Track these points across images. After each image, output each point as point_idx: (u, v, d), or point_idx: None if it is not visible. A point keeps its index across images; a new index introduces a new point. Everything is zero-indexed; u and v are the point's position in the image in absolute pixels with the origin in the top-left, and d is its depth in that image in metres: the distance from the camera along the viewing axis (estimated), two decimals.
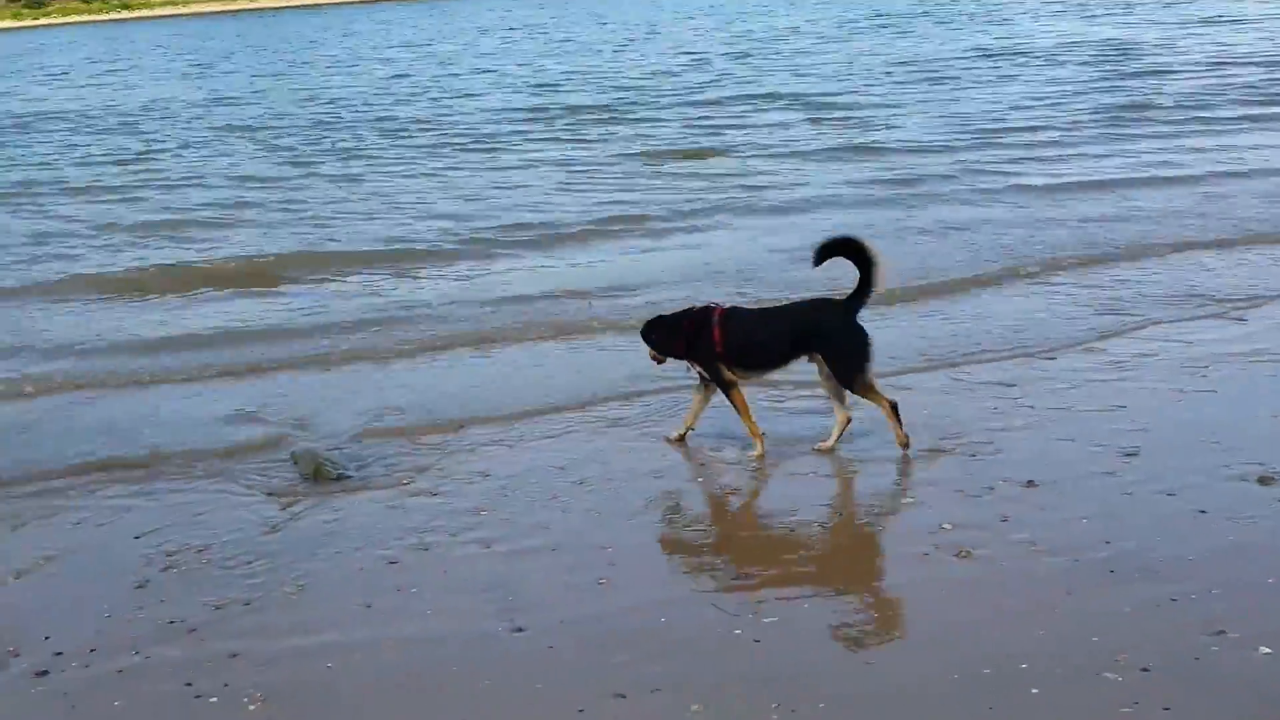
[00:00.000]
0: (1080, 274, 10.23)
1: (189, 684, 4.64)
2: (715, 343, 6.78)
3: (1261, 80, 21.77)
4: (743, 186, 15.18)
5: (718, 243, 12.32)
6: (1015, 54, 28.99)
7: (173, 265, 12.06)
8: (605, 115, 23.03)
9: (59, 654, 4.89)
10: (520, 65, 37.55)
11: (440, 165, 18.29)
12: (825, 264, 6.62)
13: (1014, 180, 14.48)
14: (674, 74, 30.76)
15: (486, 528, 5.95)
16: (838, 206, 13.61)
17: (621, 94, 26.59)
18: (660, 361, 7.12)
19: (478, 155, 19.09)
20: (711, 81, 28.19)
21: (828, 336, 6.62)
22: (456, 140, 20.87)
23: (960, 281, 10.16)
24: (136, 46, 68.54)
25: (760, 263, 10.96)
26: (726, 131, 20.11)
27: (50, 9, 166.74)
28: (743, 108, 23.05)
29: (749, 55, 34.71)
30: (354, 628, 5.05)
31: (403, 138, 21.74)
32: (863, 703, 4.31)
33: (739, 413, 6.86)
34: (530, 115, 23.76)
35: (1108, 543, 5.39)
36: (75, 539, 6.05)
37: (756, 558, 5.60)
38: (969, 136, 17.91)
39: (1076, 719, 4.14)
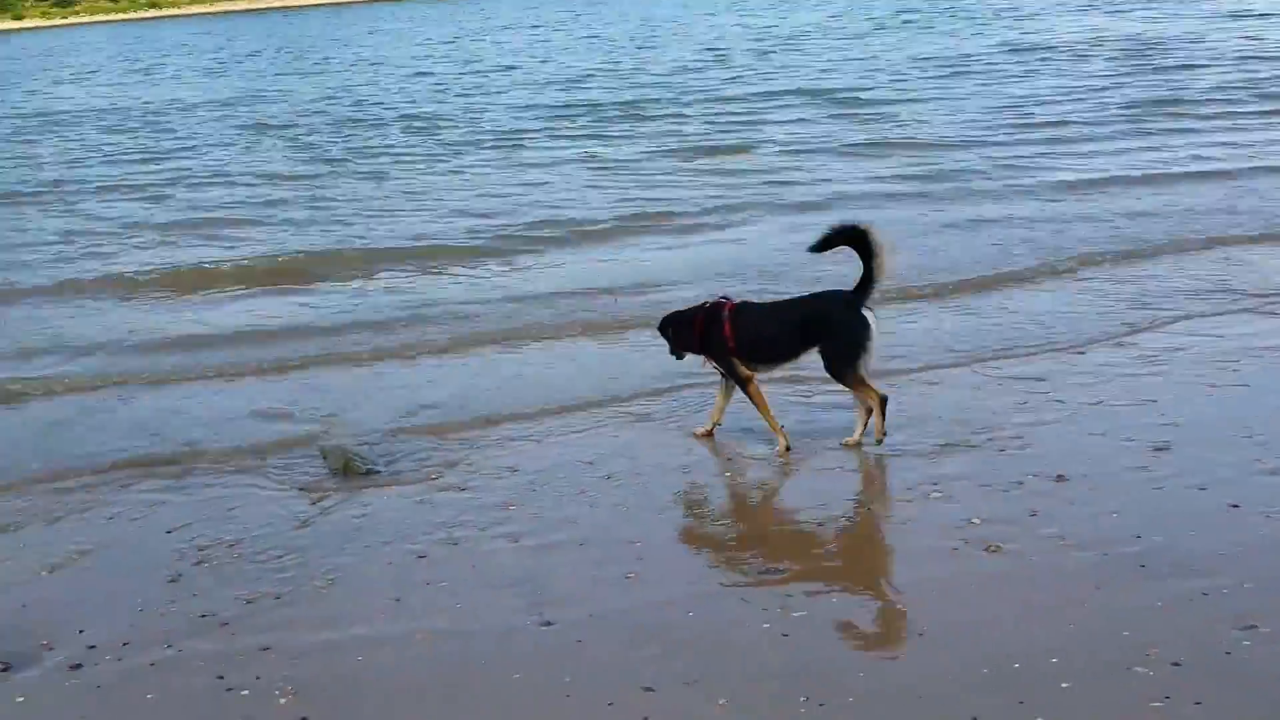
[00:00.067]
0: (1110, 269, 10.17)
1: (220, 677, 4.68)
2: (727, 338, 6.79)
3: None
4: (769, 183, 15.14)
5: (745, 239, 12.30)
6: (1042, 49, 28.80)
7: (202, 264, 12.12)
8: (630, 112, 23.01)
9: (92, 647, 4.94)
10: (544, 62, 37.60)
11: (465, 162, 18.33)
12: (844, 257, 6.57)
13: (1043, 176, 14.39)
14: (698, 70, 30.71)
15: (515, 522, 5.97)
16: (864, 202, 13.54)
17: (646, 90, 26.56)
18: (679, 357, 7.13)
19: (503, 152, 19.12)
20: (736, 78, 28.12)
21: (827, 328, 6.60)
22: (481, 137, 20.90)
23: (990, 277, 10.11)
24: (163, 45, 69.01)
25: (787, 259, 10.92)
26: (751, 128, 20.05)
27: (78, 7, 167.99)
28: (767, 104, 22.97)
29: (772, 52, 34.60)
30: (384, 622, 5.08)
31: (428, 135, 21.79)
32: (892, 697, 4.31)
33: (757, 408, 6.87)
34: (555, 112, 23.77)
35: (1138, 537, 5.36)
36: (108, 534, 6.11)
37: (784, 552, 5.59)
38: (996, 131, 17.81)
39: (1107, 713, 4.13)
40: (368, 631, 5.00)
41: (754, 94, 24.60)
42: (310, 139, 22.36)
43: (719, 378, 7.03)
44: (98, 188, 17.96)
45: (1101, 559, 5.19)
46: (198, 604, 5.28)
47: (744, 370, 6.85)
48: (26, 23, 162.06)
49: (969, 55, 28.51)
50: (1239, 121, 17.35)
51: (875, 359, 6.64)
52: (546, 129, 21.52)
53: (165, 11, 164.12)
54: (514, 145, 19.81)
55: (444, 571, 5.50)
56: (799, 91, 24.31)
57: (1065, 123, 18.17)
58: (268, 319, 10.11)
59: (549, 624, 4.97)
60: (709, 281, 10.12)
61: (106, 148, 23.21)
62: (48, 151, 23.22)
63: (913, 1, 49.13)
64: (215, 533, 6.01)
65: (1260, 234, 11.04)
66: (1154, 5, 37.28)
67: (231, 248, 13.05)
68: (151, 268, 12.07)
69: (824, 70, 28.13)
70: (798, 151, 17.47)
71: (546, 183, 16.09)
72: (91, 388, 8.48)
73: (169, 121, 27.47)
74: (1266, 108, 18.29)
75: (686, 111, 22.65)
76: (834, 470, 6.49)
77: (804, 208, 13.58)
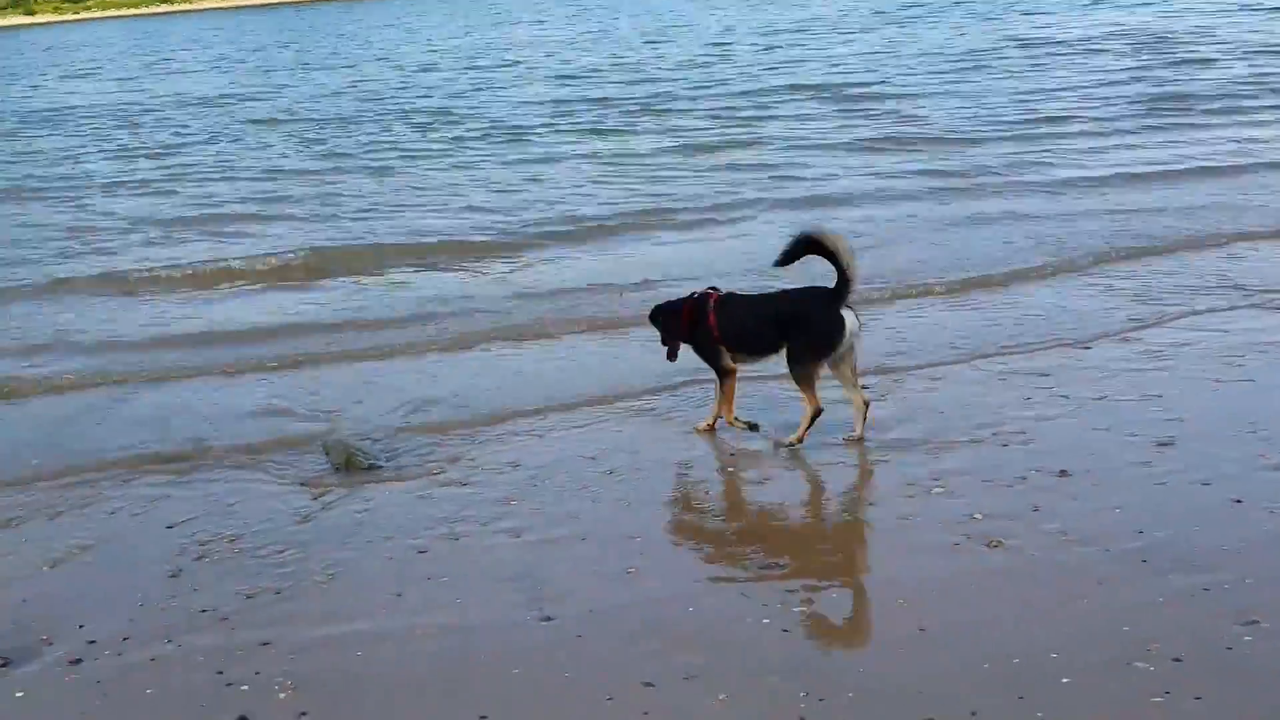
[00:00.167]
0: (1117, 265, 10.13)
1: (220, 672, 4.68)
2: (712, 328, 6.80)
3: None
4: (775, 178, 15.12)
5: (751, 234, 12.27)
6: (1050, 42, 28.71)
7: (207, 260, 12.12)
8: (636, 107, 22.99)
9: (92, 642, 4.94)
10: (549, 56, 37.56)
11: (471, 158, 18.33)
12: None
13: (1050, 171, 14.35)
14: (705, 65, 30.67)
15: (516, 517, 5.96)
16: (873, 199, 13.52)
17: (652, 85, 26.54)
18: (673, 352, 7.11)
19: (508, 147, 19.11)
20: (742, 72, 28.08)
21: (799, 324, 6.57)
22: (487, 132, 20.90)
23: (997, 273, 10.07)
24: (175, 40, 69.13)
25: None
26: (758, 123, 20.01)
27: (90, 3, 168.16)
28: (774, 99, 22.94)
29: (778, 46, 34.54)
30: (384, 617, 5.07)
31: (434, 130, 21.80)
32: (892, 693, 4.29)
33: (723, 398, 6.90)
34: (560, 108, 23.75)
35: (1140, 532, 5.34)
36: (109, 529, 6.11)
37: (785, 547, 5.58)
38: (1004, 127, 17.75)
39: (1107, 709, 4.11)
40: (368, 626, 4.99)
41: (760, 89, 24.55)
42: (317, 134, 22.38)
43: (724, 375, 7.01)
44: (104, 183, 17.99)
45: (1103, 554, 5.17)
46: (198, 599, 5.28)
47: (727, 362, 6.87)
48: (39, 18, 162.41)
49: (976, 50, 28.43)
50: (1248, 117, 17.27)
51: (860, 355, 6.66)
52: (552, 124, 21.51)
53: (177, 6, 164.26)
54: (520, 140, 19.81)
55: (445, 566, 5.49)
56: (805, 86, 24.26)
57: (1073, 117, 18.12)
58: (271, 315, 10.12)
59: (549, 619, 4.96)
60: (715, 278, 10.09)
61: (114, 143, 23.25)
62: (55, 146, 23.26)
63: None
64: (216, 528, 6.00)
65: (1269, 230, 10.99)
66: None
67: (237, 244, 13.07)
68: (157, 264, 12.08)
69: (832, 65, 28.06)
70: (804, 147, 17.43)
71: (552, 178, 16.09)
72: (94, 384, 8.48)
73: (177, 116, 27.52)
74: (1276, 103, 18.20)
75: (692, 106, 22.64)
76: (835, 465, 6.47)
77: (811, 203, 13.57)
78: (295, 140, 21.72)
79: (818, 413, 6.62)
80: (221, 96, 31.94)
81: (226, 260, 12.04)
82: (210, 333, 9.63)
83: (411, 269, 11.51)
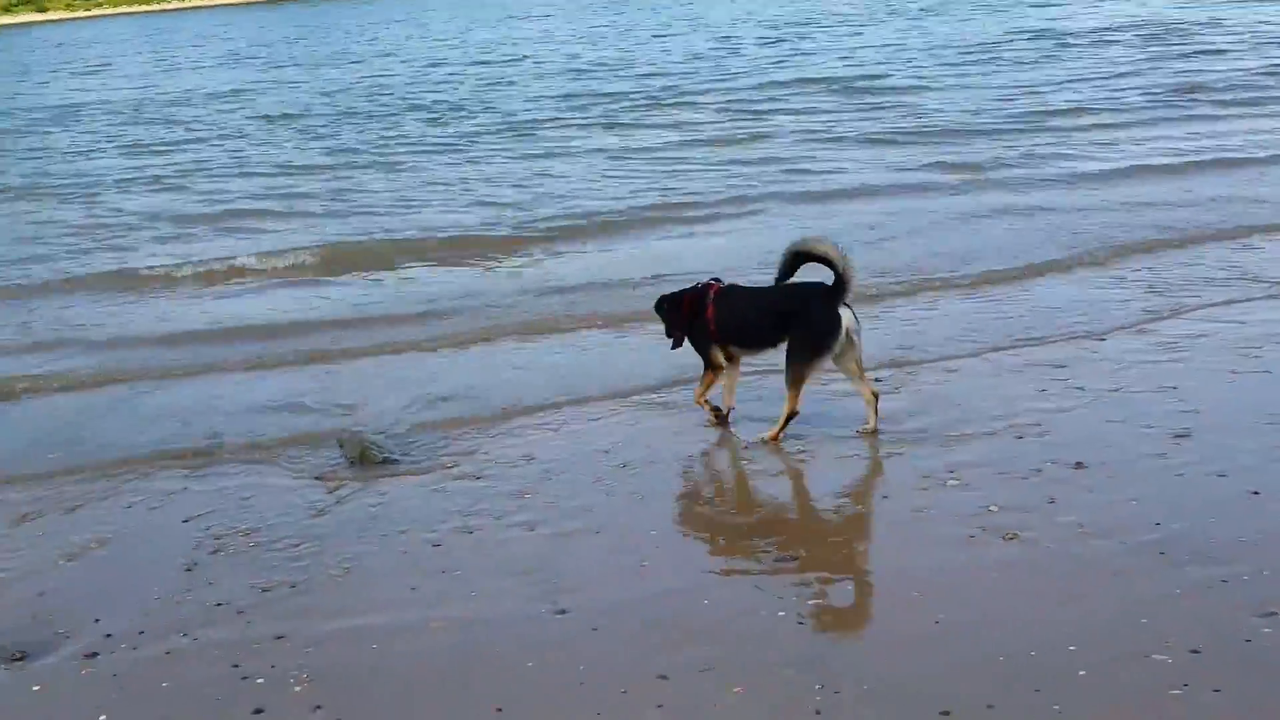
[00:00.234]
0: (1133, 257, 10.08)
1: (236, 665, 4.69)
2: (709, 320, 6.81)
3: None
4: (787, 171, 15.09)
5: (763, 228, 12.24)
6: (1061, 34, 28.59)
7: (221, 257, 12.12)
8: (645, 101, 22.96)
9: (108, 636, 4.96)
10: (556, 51, 37.51)
11: (482, 153, 18.32)
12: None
13: (1063, 164, 14.29)
14: (714, 58, 30.60)
15: (530, 511, 5.96)
16: (885, 192, 13.47)
17: (661, 79, 26.48)
18: (678, 342, 7.11)
19: (518, 142, 19.09)
20: (752, 65, 28.01)
21: (797, 319, 6.55)
22: (497, 127, 20.88)
23: (1011, 266, 10.02)
24: (186, 36, 69.27)
25: None
26: (768, 116, 19.97)
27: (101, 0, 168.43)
28: (784, 92, 22.89)
29: (787, 39, 34.43)
30: (399, 610, 5.08)
31: (444, 125, 21.79)
32: (907, 685, 4.28)
33: (701, 383, 6.97)
34: (570, 102, 23.71)
35: (1158, 524, 5.32)
36: (125, 523, 6.13)
37: (799, 540, 5.57)
38: (1017, 119, 17.68)
39: (1125, 701, 4.09)
40: (383, 620, 5.00)
41: (769, 82, 24.49)
42: (327, 129, 22.40)
43: (727, 365, 7.02)
44: (117, 179, 18.03)
45: (1120, 547, 5.15)
46: (213, 593, 5.29)
47: (718, 358, 6.91)
48: (50, 15, 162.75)
49: (987, 42, 28.32)
50: (1262, 109, 17.18)
51: (863, 350, 6.65)
52: (562, 118, 21.48)
53: (189, 3, 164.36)
54: (529, 135, 19.79)
55: (459, 560, 5.50)
56: (815, 79, 24.20)
57: (1085, 110, 18.04)
58: (285, 311, 10.14)
59: (563, 612, 4.96)
60: (728, 273, 10.06)
61: (126, 139, 23.29)
62: (67, 143, 23.32)
63: None
64: (231, 522, 6.02)
65: None
66: None
67: (250, 240, 13.09)
68: (171, 261, 12.10)
69: (841, 58, 27.98)
70: (815, 140, 17.39)
71: (562, 173, 16.07)
72: (110, 381, 8.50)
73: (188, 112, 27.58)
74: None
75: (702, 100, 22.59)
76: (850, 458, 6.46)
77: (823, 197, 13.54)
78: (306, 136, 21.75)
79: (793, 414, 6.61)
80: (233, 92, 31.98)
81: (240, 257, 12.05)
82: (225, 329, 9.65)
83: (424, 264, 11.52)
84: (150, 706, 4.46)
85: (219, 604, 5.19)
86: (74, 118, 28.22)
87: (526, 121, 21.37)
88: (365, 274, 11.28)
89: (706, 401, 7.04)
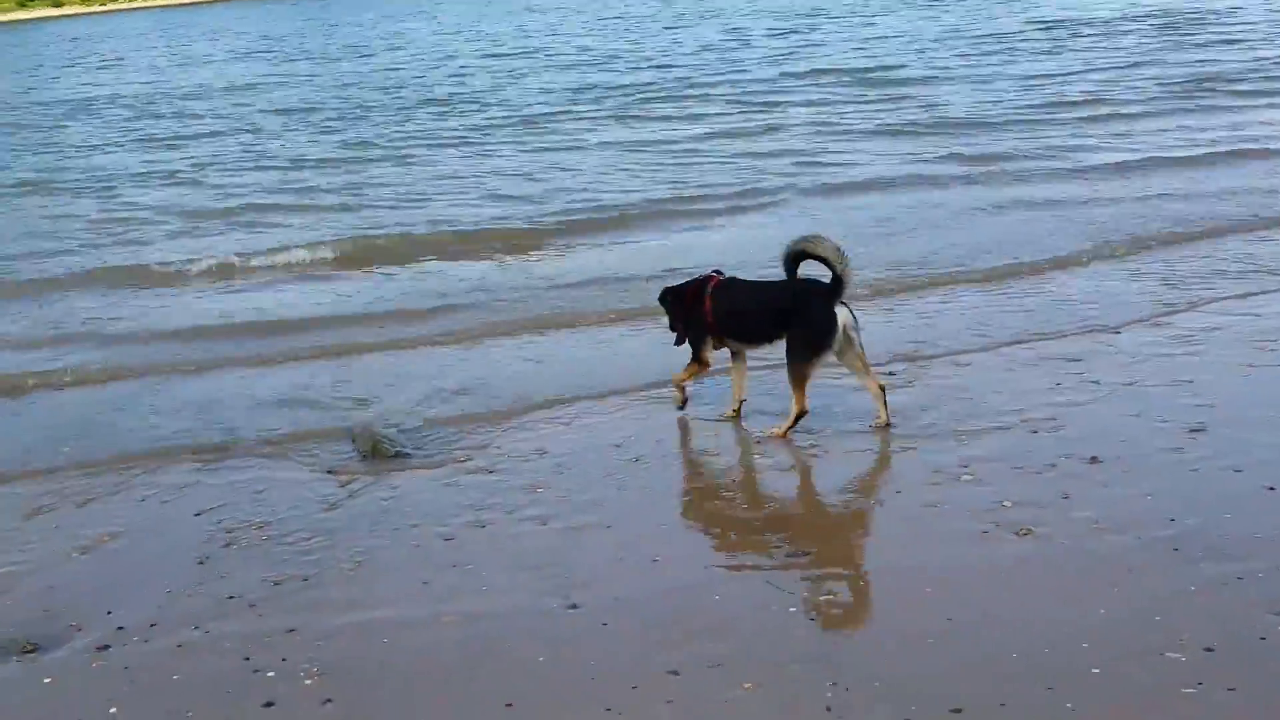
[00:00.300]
0: (1148, 250, 10.04)
1: (247, 658, 4.69)
2: (706, 312, 6.83)
3: None
4: (802, 165, 15.02)
5: (777, 222, 12.20)
6: (1074, 23, 28.43)
7: (235, 252, 12.11)
8: (657, 93, 22.89)
9: (120, 628, 4.97)
10: (569, 44, 37.45)
11: (494, 146, 18.30)
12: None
13: (1077, 157, 14.21)
14: (727, 50, 30.52)
15: (542, 505, 5.96)
16: (900, 185, 13.40)
17: (672, 71, 26.42)
18: (678, 332, 7.13)
19: (531, 135, 19.05)
20: (764, 57, 27.92)
21: (795, 317, 6.55)
22: (509, 120, 20.83)
23: (1025, 259, 9.97)
24: (200, 31, 69.41)
25: None
26: (781, 108, 19.90)
27: None
28: (797, 83, 22.81)
29: (797, 31, 34.30)
30: (410, 604, 5.08)
31: (455, 118, 21.76)
32: (919, 681, 4.26)
33: (683, 372, 7.03)
34: (582, 95, 23.66)
35: (1172, 520, 5.28)
36: (138, 516, 6.14)
37: (811, 535, 5.55)
38: (1031, 110, 17.60)
39: (1138, 700, 4.06)
40: (394, 614, 5.00)
41: (782, 74, 24.41)
42: (341, 123, 22.40)
43: (732, 359, 7.05)
44: (132, 174, 18.07)
45: (1135, 542, 5.12)
46: (225, 586, 5.30)
47: (707, 352, 6.95)
48: (66, 10, 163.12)
49: (1001, 33, 28.18)
50: (1278, 99, 17.06)
51: (863, 345, 6.62)
52: (574, 111, 21.43)
53: None
54: (542, 128, 19.74)
55: (471, 554, 5.49)
56: (828, 70, 24.11)
57: (1099, 101, 17.96)
58: (298, 306, 10.14)
59: (575, 606, 4.95)
60: (742, 267, 10.03)
61: (141, 133, 23.34)
62: (82, 137, 23.39)
63: None
64: (244, 515, 6.03)
65: None
66: None
67: (264, 235, 13.08)
68: (186, 255, 12.09)
69: (853, 49, 27.87)
70: (828, 132, 17.34)
71: (575, 166, 16.03)
72: (123, 376, 8.51)
73: (203, 106, 27.61)
74: None
75: (714, 92, 22.52)
76: (862, 453, 6.43)
77: (836, 189, 13.48)
78: (319, 129, 21.76)
79: (803, 414, 6.60)
80: (247, 86, 32.02)
81: (254, 252, 12.05)
82: (238, 324, 9.66)
83: (437, 258, 11.50)
84: (161, 699, 4.47)
85: (231, 597, 5.19)
86: (89, 112, 28.30)
87: (538, 114, 21.34)
88: (378, 268, 11.28)
89: (682, 387, 7.11)
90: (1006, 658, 4.35)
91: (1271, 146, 13.87)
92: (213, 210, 14.68)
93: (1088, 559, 5.03)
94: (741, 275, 7.07)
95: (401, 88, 28.05)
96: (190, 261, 11.73)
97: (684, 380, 7.10)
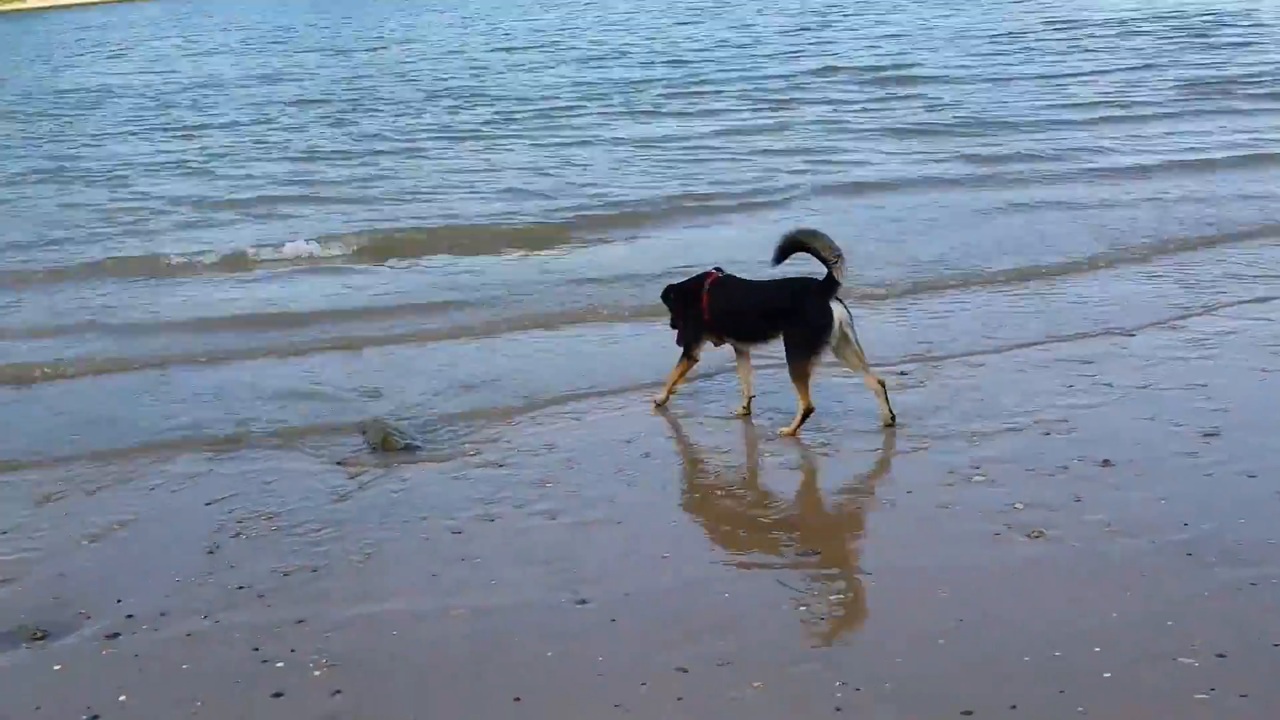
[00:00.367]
0: (1163, 253, 9.99)
1: (256, 649, 4.69)
2: (703, 310, 6.86)
3: None
4: (815, 163, 14.96)
5: (791, 221, 12.10)
6: (1092, 24, 28.31)
7: (246, 244, 12.09)
8: (669, 90, 22.81)
9: (130, 617, 4.97)
10: (582, 38, 37.37)
11: (506, 141, 18.25)
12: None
13: (1093, 158, 14.15)
14: (737, 46, 30.42)
15: (552, 499, 5.95)
16: (913, 185, 13.34)
17: (684, 68, 26.34)
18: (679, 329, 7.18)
19: (543, 131, 18.98)
20: (777, 53, 27.82)
21: (790, 316, 6.57)
22: (521, 115, 20.75)
23: (1039, 261, 9.92)
24: (212, 21, 69.47)
25: (841, 243, 10.74)
26: (796, 106, 19.83)
27: None
28: (812, 80, 22.71)
29: (810, 28, 34.18)
30: (419, 597, 5.07)
31: (467, 112, 21.70)
32: (929, 683, 4.24)
33: (674, 371, 7.08)
34: (593, 89, 23.57)
35: (1186, 525, 5.26)
36: (148, 505, 6.14)
37: (822, 535, 5.54)
38: (1044, 111, 17.51)
39: (1150, 704, 4.04)
40: (403, 606, 5.00)
41: (796, 71, 24.30)
42: (353, 115, 22.35)
43: (735, 357, 7.06)
44: (144, 164, 18.06)
45: (1148, 547, 5.09)
46: (235, 576, 5.30)
47: (698, 349, 7.02)
48: None
49: (1014, 32, 28.07)
50: None
51: (859, 345, 6.60)
52: (585, 106, 21.36)
53: None
54: (555, 123, 19.69)
55: (480, 547, 5.49)
56: (841, 68, 24.01)
57: (1115, 102, 17.86)
58: (310, 299, 10.13)
59: (584, 602, 4.94)
60: (755, 265, 10.02)
61: (152, 124, 23.33)
62: (94, 127, 23.38)
63: None
64: (253, 506, 6.03)
65: None
66: None
67: (275, 227, 13.06)
68: (198, 246, 12.08)
69: (865, 47, 27.76)
70: (841, 130, 17.27)
71: (587, 161, 15.98)
72: (134, 366, 8.50)
73: (215, 97, 27.60)
74: None
75: (726, 89, 22.43)
76: (873, 452, 6.41)
77: (849, 189, 13.43)
78: (331, 122, 21.71)
79: (809, 411, 6.59)
80: (259, 77, 32.00)
81: (266, 244, 12.03)
82: (249, 316, 9.64)
83: (449, 253, 11.47)
84: (170, 688, 4.47)
85: (240, 587, 5.19)
86: (101, 102, 28.30)
87: (550, 109, 21.28)
88: (390, 262, 11.27)
89: (674, 390, 7.16)
90: (1017, 660, 4.33)
91: None
92: (225, 201, 14.66)
93: (1100, 562, 5.00)
94: (755, 274, 7.04)
95: (414, 81, 28.00)
96: (202, 253, 11.72)
97: (676, 381, 7.13)
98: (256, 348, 8.77)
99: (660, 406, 7.16)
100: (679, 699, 4.24)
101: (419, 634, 4.78)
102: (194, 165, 17.64)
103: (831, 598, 4.92)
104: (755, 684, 4.29)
